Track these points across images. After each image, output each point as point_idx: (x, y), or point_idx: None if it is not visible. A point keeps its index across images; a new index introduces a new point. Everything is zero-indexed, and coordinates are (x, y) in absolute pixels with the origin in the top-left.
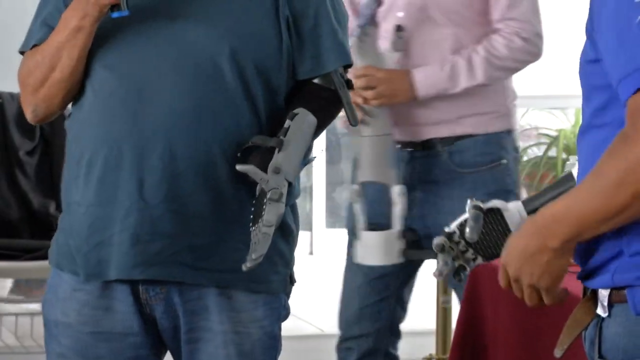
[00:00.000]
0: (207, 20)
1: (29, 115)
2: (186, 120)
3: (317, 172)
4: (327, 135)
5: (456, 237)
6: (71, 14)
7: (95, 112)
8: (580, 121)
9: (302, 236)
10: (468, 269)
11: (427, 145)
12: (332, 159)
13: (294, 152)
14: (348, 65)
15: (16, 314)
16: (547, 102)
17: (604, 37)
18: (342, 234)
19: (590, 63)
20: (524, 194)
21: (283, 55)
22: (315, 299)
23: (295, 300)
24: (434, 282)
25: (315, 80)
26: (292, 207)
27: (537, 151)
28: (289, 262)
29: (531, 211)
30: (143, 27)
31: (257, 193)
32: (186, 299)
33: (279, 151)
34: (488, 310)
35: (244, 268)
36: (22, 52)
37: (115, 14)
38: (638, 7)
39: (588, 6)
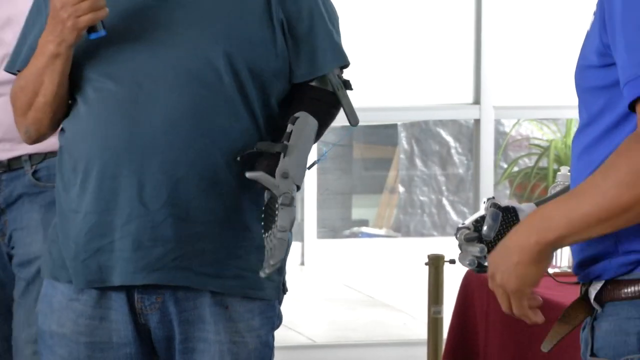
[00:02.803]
0: (201, 24)
1: (22, 137)
2: (185, 125)
3: (309, 183)
4: (318, 145)
5: (471, 234)
6: (47, 40)
7: (90, 121)
8: (572, 131)
9: (294, 247)
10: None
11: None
12: (323, 169)
13: (299, 157)
14: (345, 66)
15: None
16: (538, 112)
17: (615, 39)
18: (333, 244)
19: (592, 68)
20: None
21: (278, 59)
22: (307, 310)
23: (287, 310)
24: (425, 292)
25: (312, 83)
26: None
27: (528, 162)
28: (281, 270)
29: None
30: (135, 33)
31: (266, 200)
32: (182, 308)
33: (284, 156)
34: (479, 320)
35: (262, 275)
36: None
37: (93, 36)
38: None
39: (590, 15)
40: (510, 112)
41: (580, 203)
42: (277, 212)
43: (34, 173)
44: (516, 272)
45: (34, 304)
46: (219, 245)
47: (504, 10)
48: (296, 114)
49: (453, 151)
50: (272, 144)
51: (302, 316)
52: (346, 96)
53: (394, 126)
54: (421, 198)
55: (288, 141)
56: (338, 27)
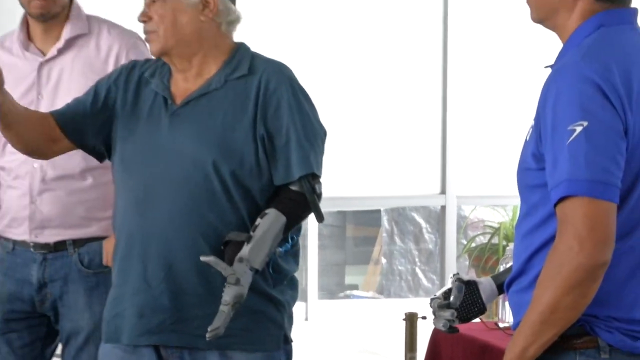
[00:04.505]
0: (198, 138)
1: None
2: (179, 220)
3: (311, 256)
4: (319, 227)
5: (442, 302)
6: None
7: (118, 211)
8: (517, 215)
9: (299, 306)
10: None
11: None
12: (323, 245)
13: (260, 245)
14: (314, 175)
15: None
16: (490, 200)
17: (545, 153)
18: (331, 304)
19: (529, 170)
20: (473, 273)
21: (259, 166)
22: (310, 356)
23: (293, 356)
24: (403, 342)
25: (292, 186)
26: (290, 281)
27: (483, 239)
28: (281, 325)
29: (498, 284)
30: (151, 142)
31: None
32: (194, 357)
33: (247, 244)
34: None
35: (207, 337)
36: None
37: None
38: (569, 132)
39: (528, 127)
40: (469, 200)
41: (529, 316)
42: (223, 289)
43: (80, 257)
44: None
45: None
46: (209, 312)
47: (466, 118)
48: (266, 210)
49: (424, 231)
50: (239, 234)
51: None
52: (314, 199)
53: (377, 211)
54: (399, 267)
55: (254, 232)
56: (315, 140)
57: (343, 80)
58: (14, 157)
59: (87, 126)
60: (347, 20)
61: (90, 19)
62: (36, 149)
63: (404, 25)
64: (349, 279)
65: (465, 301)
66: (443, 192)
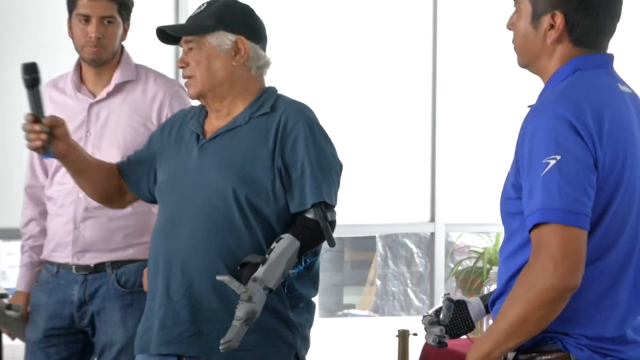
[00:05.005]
0: (221, 168)
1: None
2: (201, 242)
3: None
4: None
5: (432, 319)
6: None
7: (153, 232)
8: (500, 241)
9: None
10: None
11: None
12: (323, 268)
13: (274, 267)
14: (326, 204)
15: None
16: (475, 227)
17: (523, 184)
18: (330, 321)
19: (510, 199)
20: (460, 294)
21: (275, 195)
22: None
23: None
24: (396, 356)
25: (307, 214)
26: (307, 305)
27: (469, 263)
28: (293, 345)
29: (486, 304)
30: (182, 172)
31: None
32: None
33: (262, 266)
34: None
35: (220, 349)
36: None
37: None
38: (544, 164)
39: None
40: (456, 227)
41: (498, 324)
42: (237, 306)
43: (117, 278)
44: None
45: None
46: (224, 327)
47: (453, 153)
48: (282, 235)
49: (415, 255)
50: (256, 256)
51: None
52: (326, 226)
53: (372, 237)
54: (392, 289)
55: (268, 255)
56: (329, 172)
57: (338, 117)
58: (61, 188)
59: (142, 173)
60: (331, 51)
61: (138, 67)
62: (109, 198)
63: (393, 59)
64: (346, 299)
65: (455, 319)
66: (432, 220)
